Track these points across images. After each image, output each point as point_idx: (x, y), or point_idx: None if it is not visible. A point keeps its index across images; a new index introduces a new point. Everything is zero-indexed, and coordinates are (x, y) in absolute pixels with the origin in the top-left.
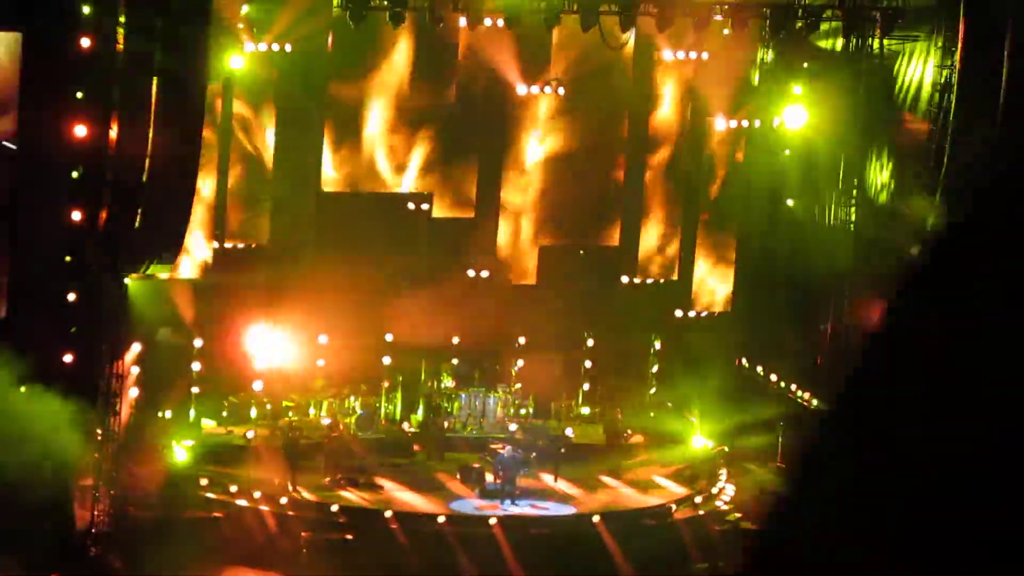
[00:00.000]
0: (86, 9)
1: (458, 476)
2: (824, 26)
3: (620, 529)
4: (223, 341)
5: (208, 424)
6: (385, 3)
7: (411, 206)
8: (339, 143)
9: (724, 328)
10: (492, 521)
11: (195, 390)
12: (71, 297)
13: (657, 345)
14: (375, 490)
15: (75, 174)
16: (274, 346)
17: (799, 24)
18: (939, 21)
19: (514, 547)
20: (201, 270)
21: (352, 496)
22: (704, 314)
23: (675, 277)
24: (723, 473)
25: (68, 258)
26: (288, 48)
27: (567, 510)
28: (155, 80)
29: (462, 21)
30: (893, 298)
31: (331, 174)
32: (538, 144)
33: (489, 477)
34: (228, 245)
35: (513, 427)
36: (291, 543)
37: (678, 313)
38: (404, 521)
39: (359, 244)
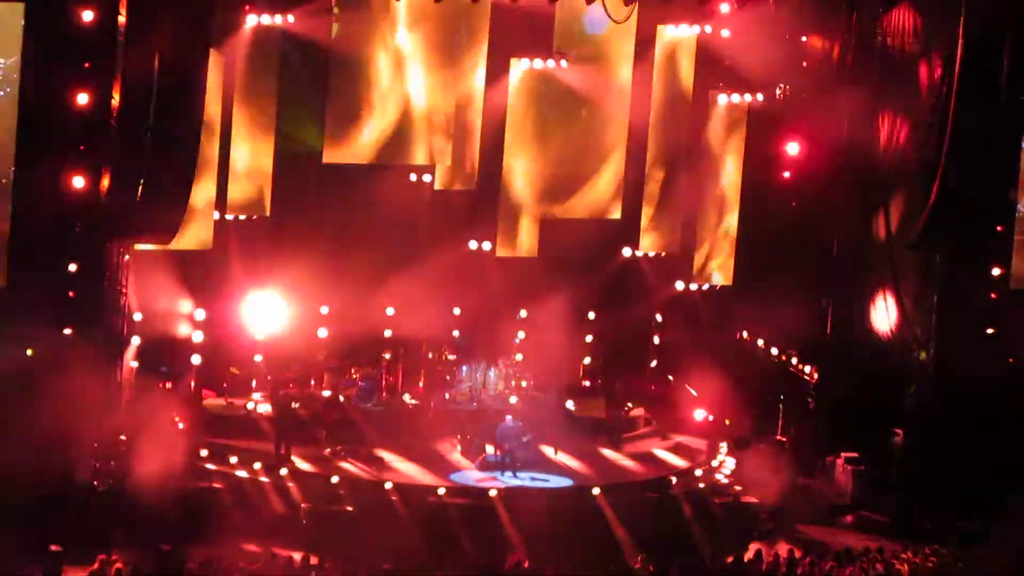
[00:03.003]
0: None
1: (458, 448)
2: None
3: (620, 502)
4: (225, 313)
5: (209, 395)
6: None
7: (413, 178)
8: (341, 115)
9: (725, 301)
10: (492, 493)
11: (196, 361)
12: (72, 268)
13: (658, 318)
14: (375, 462)
15: (78, 146)
16: (275, 318)
17: None
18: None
19: (514, 519)
20: (202, 241)
21: (352, 468)
22: (705, 287)
23: (677, 250)
24: (723, 446)
25: (72, 228)
26: (291, 19)
27: (567, 482)
28: (156, 52)
29: None
30: None
31: (332, 146)
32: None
33: (489, 449)
34: (229, 216)
35: (514, 399)
36: (291, 515)
37: (679, 286)
38: (404, 493)
39: (361, 216)
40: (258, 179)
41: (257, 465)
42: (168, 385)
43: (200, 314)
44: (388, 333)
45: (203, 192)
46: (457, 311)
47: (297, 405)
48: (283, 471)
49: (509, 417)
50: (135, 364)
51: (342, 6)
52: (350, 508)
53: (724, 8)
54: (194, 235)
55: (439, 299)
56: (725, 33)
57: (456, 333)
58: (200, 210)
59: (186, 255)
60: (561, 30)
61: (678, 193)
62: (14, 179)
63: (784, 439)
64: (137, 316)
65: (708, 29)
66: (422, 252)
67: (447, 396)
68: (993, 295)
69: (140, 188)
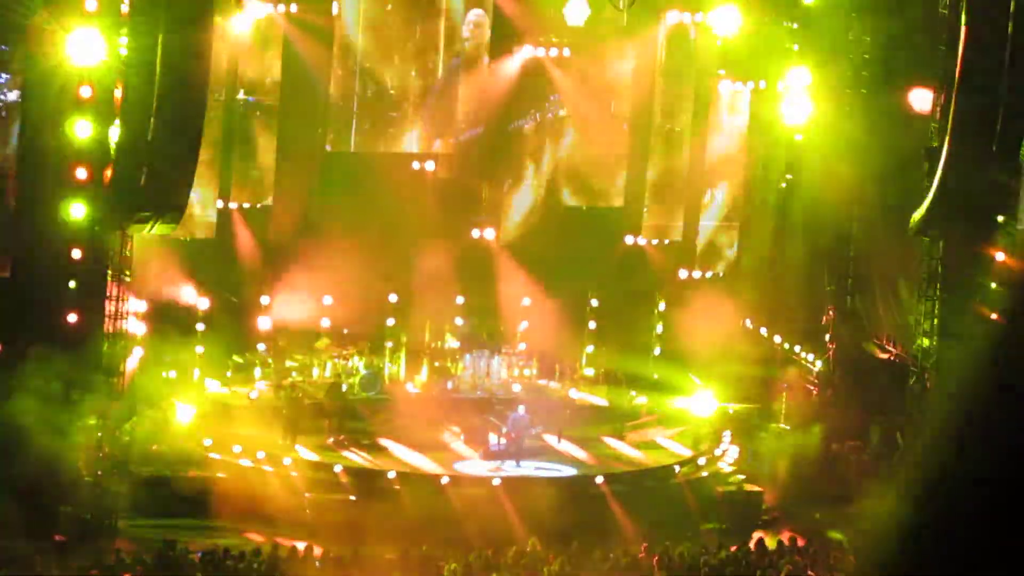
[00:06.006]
0: None
1: (462, 437)
2: None
3: (623, 490)
4: (228, 301)
5: (212, 384)
6: None
7: (416, 166)
8: (344, 103)
9: (729, 289)
10: (496, 482)
11: (199, 350)
12: (76, 255)
13: (662, 306)
14: (378, 450)
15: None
16: (278, 306)
17: None
18: None
19: (517, 508)
20: (206, 229)
21: (355, 456)
22: (709, 275)
23: (680, 238)
24: (726, 435)
25: (75, 216)
26: (294, 9)
27: (571, 471)
28: (160, 38)
29: None
30: None
31: (336, 134)
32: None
33: (493, 438)
34: (233, 204)
35: (517, 388)
36: (294, 504)
37: (683, 274)
38: (407, 482)
39: (364, 204)
40: (261, 166)
41: (260, 454)
42: (171, 374)
43: (204, 303)
44: (391, 321)
45: (206, 179)
46: (460, 299)
47: (301, 394)
48: (286, 460)
49: (522, 407)
50: (139, 352)
51: None
52: (353, 497)
53: None
54: (197, 223)
55: (442, 287)
56: (727, 19)
57: (459, 321)
58: (203, 197)
59: (188, 243)
60: (562, 18)
61: (681, 181)
62: (16, 165)
63: (787, 427)
64: (141, 305)
65: (710, 16)
66: (425, 240)
67: (450, 385)
68: (995, 284)
69: (143, 175)
